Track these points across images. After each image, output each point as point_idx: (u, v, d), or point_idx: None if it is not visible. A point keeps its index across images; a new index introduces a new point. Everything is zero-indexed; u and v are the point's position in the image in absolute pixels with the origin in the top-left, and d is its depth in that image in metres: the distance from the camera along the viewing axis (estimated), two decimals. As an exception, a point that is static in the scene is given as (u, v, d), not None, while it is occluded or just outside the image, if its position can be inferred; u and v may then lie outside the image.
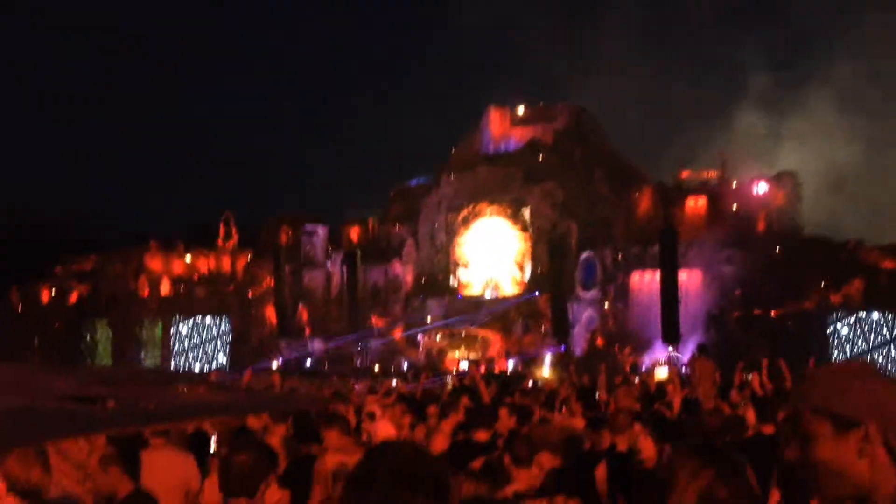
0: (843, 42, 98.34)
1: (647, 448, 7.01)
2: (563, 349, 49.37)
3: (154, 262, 63.20)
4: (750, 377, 12.51)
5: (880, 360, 37.58)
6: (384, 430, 5.16)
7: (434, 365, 49.17)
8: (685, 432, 5.83)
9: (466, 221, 59.91)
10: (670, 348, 42.10)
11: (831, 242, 50.43)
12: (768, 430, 7.53)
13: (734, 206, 53.75)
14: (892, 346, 35.67)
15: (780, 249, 49.53)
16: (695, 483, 2.29)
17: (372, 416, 9.20)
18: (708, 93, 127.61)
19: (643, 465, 6.61)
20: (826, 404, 1.58)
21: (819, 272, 46.05)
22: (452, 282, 59.66)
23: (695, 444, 2.52)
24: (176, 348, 53.69)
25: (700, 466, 2.32)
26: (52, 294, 63.13)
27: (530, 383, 26.94)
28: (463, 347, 53.38)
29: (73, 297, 62.37)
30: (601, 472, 6.69)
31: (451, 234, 60.17)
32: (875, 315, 37.16)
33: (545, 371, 46.23)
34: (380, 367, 48.85)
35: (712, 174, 58.29)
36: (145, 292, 61.03)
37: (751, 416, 9.30)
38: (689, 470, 2.33)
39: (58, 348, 57.15)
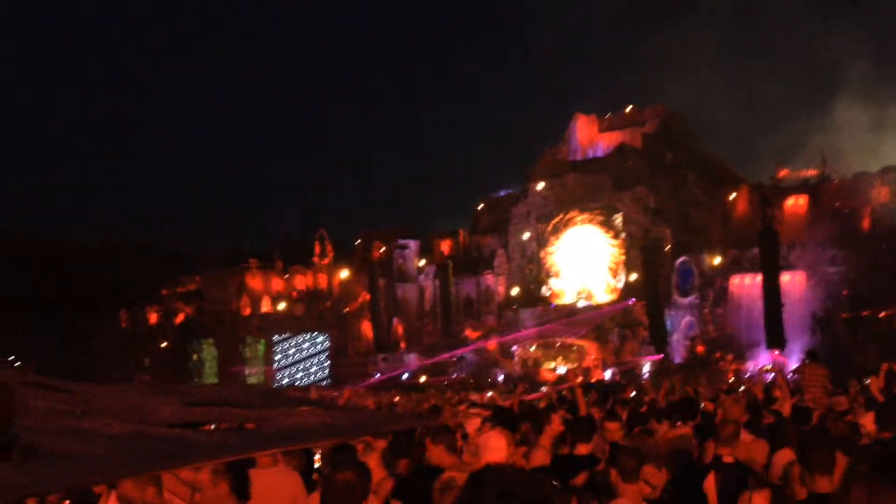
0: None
1: (760, 456, 6.77)
2: (661, 357, 48.34)
3: (254, 282, 65.02)
4: (868, 381, 11.90)
5: None
6: (486, 444, 5.10)
7: (530, 376, 48.85)
8: (807, 440, 5.57)
9: (557, 230, 59.42)
10: (776, 353, 40.68)
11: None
12: (887, 436, 7.15)
13: (837, 204, 51.68)
14: None
15: (887, 247, 47.32)
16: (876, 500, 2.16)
17: (474, 431, 9.17)
18: (803, 88, 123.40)
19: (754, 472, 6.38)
20: None
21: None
22: (545, 291, 59.24)
23: (874, 459, 2.35)
24: (278, 364, 54.95)
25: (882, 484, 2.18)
26: (160, 315, 65.65)
27: (632, 394, 26.41)
28: (560, 358, 52.88)
29: (180, 318, 64.69)
30: (710, 483, 6.46)
31: (542, 243, 59.78)
32: None
33: (644, 380, 45.31)
34: (475, 380, 48.84)
35: (812, 172, 56.20)
36: (247, 311, 62.79)
37: (868, 422, 8.86)
38: (867, 488, 2.19)
39: (166, 368, 59.29)
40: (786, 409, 9.61)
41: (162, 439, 2.02)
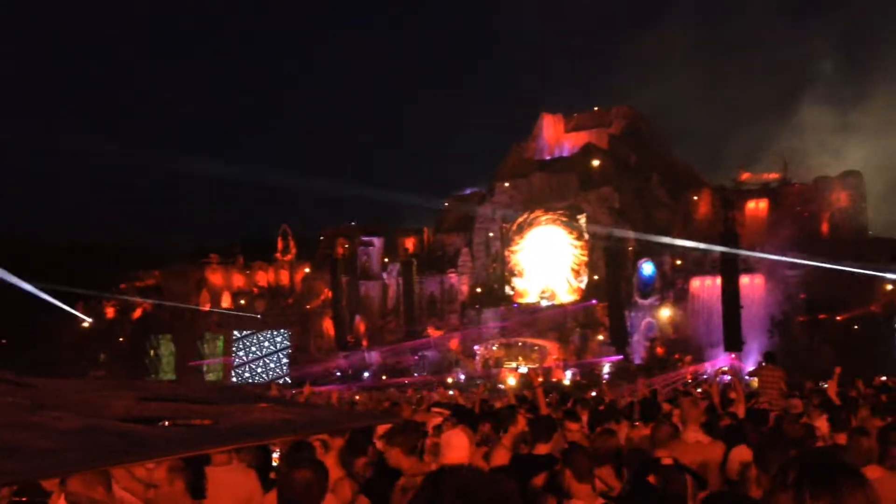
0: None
1: (716, 457, 6.83)
2: (622, 358, 48.74)
3: (215, 277, 64.37)
4: (825, 385, 12.07)
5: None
6: (448, 443, 5.08)
7: (491, 375, 48.99)
8: (763, 442, 5.63)
9: (521, 229, 59.63)
10: (732, 356, 41.23)
11: (898, 243, 48.96)
12: (841, 439, 7.27)
13: (797, 208, 52.50)
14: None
15: (845, 251, 48.19)
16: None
17: (435, 430, 9.15)
18: (767, 94, 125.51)
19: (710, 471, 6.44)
20: None
21: (885, 274, 44.70)
22: (508, 290, 59.44)
23: (802, 467, 2.35)
24: (237, 361, 54.51)
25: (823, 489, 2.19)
26: (117, 310, 64.68)
27: (593, 393, 26.57)
28: (520, 357, 53.06)
29: (138, 313, 63.81)
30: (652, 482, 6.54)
31: (506, 242, 59.98)
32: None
33: (604, 380, 45.64)
34: (437, 378, 48.84)
35: (773, 176, 57.03)
36: (207, 306, 62.14)
37: (822, 425, 9.00)
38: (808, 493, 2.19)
39: (123, 363, 58.43)
40: (740, 410, 9.72)
41: (115, 434, 1.97)
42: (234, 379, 50.79)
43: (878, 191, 54.21)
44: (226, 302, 62.65)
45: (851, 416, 8.60)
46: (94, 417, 2.21)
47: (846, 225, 50.61)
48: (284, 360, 53.96)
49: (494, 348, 54.93)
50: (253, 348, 52.53)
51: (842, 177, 52.49)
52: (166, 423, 2.40)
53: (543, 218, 58.80)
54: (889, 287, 45.25)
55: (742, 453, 6.50)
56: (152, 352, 60.67)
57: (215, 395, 2.82)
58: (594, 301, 53.90)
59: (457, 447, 4.97)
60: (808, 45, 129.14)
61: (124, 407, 2.39)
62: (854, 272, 43.10)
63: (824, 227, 51.23)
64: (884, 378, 27.23)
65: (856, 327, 43.59)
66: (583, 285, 56.91)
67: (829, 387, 10.67)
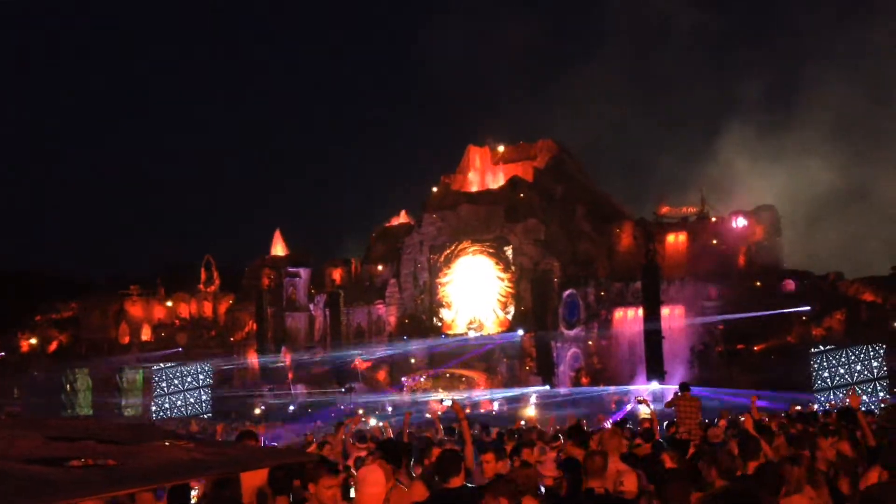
0: (819, 80, 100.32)
1: (630, 485, 6.94)
2: (548, 388, 49.11)
3: (135, 309, 62.69)
4: (742, 418, 12.41)
5: (863, 395, 37.66)
6: (364, 478, 5.05)
7: (418, 407, 48.72)
8: (664, 476, 5.76)
9: (449, 260, 59.88)
10: (654, 384, 41.98)
11: (811, 276, 50.81)
12: (752, 469, 7.48)
13: (714, 242, 54.10)
14: (876, 382, 35.71)
15: (761, 284, 49.78)
16: None
17: (357, 463, 9.07)
18: (687, 129, 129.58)
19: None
20: None
21: (800, 305, 46.32)
22: (436, 322, 59.46)
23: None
24: (157, 395, 52.90)
25: None
26: (32, 343, 62.36)
27: (522, 423, 26.68)
28: (441, 389, 52.94)
29: (54, 346, 61.64)
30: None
31: (434, 273, 60.12)
32: (857, 348, 37.28)
33: (531, 410, 45.85)
34: (364, 411, 48.31)
35: (691, 210, 58.74)
36: (126, 339, 60.40)
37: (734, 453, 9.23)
38: None
39: (38, 398, 56.16)
40: (657, 438, 9.94)
41: (16, 476, 1.93)
42: (154, 414, 49.22)
43: (792, 227, 56.34)
44: (146, 335, 61.05)
45: (765, 444, 8.85)
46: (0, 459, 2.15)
47: (761, 258, 52.35)
48: (207, 394, 52.55)
49: (422, 379, 54.75)
50: (175, 381, 51.07)
51: (756, 211, 54.37)
52: (74, 463, 2.35)
53: (471, 249, 59.22)
54: (804, 318, 46.85)
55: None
56: (69, 386, 58.46)
57: (126, 433, 2.77)
58: (521, 332, 54.33)
59: (372, 483, 4.94)
60: (728, 83, 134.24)
61: (29, 447, 2.34)
62: (770, 304, 44.50)
63: (741, 260, 52.87)
64: (798, 407, 28.11)
65: (773, 357, 44.90)
66: (510, 316, 57.35)
67: (746, 419, 10.97)
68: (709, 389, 33.32)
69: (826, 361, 37.43)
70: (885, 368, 36.45)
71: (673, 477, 5.54)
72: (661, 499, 5.03)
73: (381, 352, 57.70)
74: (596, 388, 46.41)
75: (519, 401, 48.77)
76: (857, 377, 36.40)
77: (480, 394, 50.90)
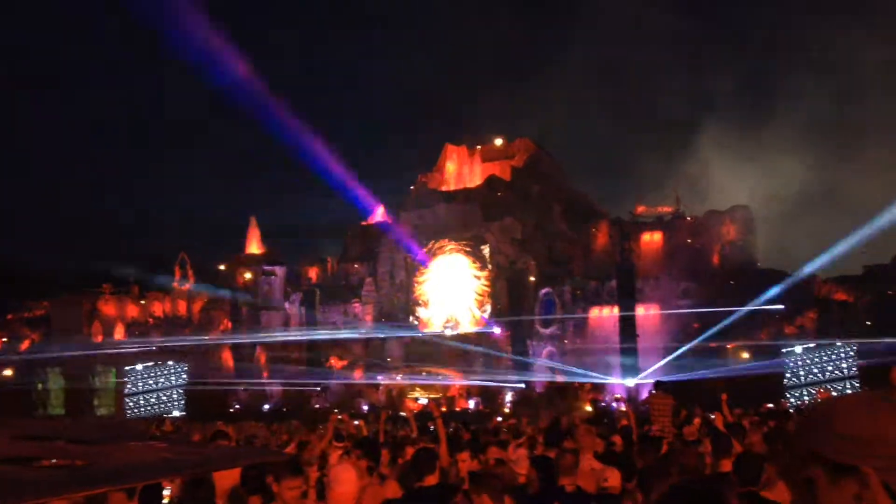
0: (791, 81, 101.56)
1: (614, 481, 7.00)
2: (524, 386, 49.27)
3: (108, 307, 62.04)
4: (713, 416, 12.53)
5: (834, 393, 38.17)
6: (336, 477, 5.04)
7: (394, 405, 48.68)
8: (659, 469, 5.80)
9: (425, 259, 59.80)
10: (628, 382, 42.28)
11: (784, 274, 51.33)
12: (725, 466, 7.54)
13: (688, 241, 54.55)
14: (847, 381, 36.20)
15: (734, 282, 50.23)
16: None
17: (330, 462, 9.04)
18: (665, 129, 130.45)
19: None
20: (823, 446, 1.45)
21: (773, 304, 46.77)
22: (412, 320, 59.40)
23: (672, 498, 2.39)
24: (130, 395, 52.46)
25: None
26: (3, 342, 61.55)
27: (499, 419, 26.78)
28: (418, 388, 52.95)
29: (25, 344, 60.87)
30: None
31: (411, 272, 60.04)
32: (829, 345, 37.79)
33: (507, 409, 46.04)
34: (339, 409, 48.21)
35: (667, 209, 59.19)
36: (99, 338, 59.77)
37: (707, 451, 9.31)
38: None
39: (9, 397, 55.47)
40: (634, 437, 9.99)
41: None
42: (128, 413, 48.81)
43: (765, 226, 56.97)
44: (119, 333, 60.45)
45: (736, 442, 8.93)
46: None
47: (735, 257, 52.85)
48: (181, 393, 52.19)
49: (398, 378, 54.69)
50: (148, 380, 50.66)
51: (731, 210, 54.89)
52: (42, 462, 2.32)
53: (448, 247, 59.19)
54: (777, 317, 47.34)
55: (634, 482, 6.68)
56: (40, 385, 57.80)
57: (97, 432, 2.74)
58: (497, 330, 54.42)
59: (344, 481, 4.94)
60: (703, 83, 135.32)
61: (-3, 447, 2.31)
62: (743, 302, 44.91)
63: (715, 259, 53.34)
64: (770, 405, 28.42)
65: (745, 355, 45.35)
66: (486, 315, 57.43)
67: (717, 417, 11.08)
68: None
69: (798, 360, 37.87)
70: (855, 367, 36.96)
71: (655, 471, 5.58)
72: (644, 492, 5.07)
73: (357, 350, 57.57)
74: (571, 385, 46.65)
75: (495, 399, 48.95)
76: (828, 375, 36.88)
77: (454, 380, 50.92)
